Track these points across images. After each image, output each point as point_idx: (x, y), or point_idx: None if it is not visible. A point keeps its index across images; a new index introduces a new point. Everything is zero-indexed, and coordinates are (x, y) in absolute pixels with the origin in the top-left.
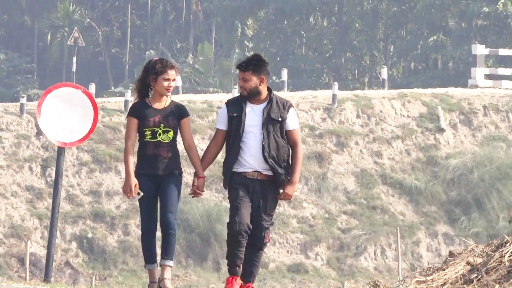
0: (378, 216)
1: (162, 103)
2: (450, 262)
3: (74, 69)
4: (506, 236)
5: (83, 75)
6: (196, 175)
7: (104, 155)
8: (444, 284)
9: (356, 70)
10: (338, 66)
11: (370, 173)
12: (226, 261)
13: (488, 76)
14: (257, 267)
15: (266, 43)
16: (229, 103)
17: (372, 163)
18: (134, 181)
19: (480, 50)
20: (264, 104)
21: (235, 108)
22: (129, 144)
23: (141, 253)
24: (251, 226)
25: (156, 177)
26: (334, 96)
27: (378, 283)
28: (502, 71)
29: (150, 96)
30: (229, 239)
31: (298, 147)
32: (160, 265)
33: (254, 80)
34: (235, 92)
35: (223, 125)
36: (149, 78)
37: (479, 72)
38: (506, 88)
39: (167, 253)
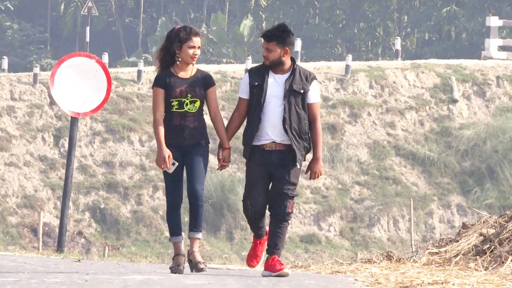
0: (390, 187)
1: (188, 72)
2: (463, 234)
3: (87, 39)
4: None
5: (96, 45)
6: (221, 146)
7: (118, 125)
8: (457, 255)
9: (369, 41)
10: (351, 37)
11: (383, 144)
12: (239, 230)
13: (502, 48)
14: (282, 239)
15: (279, 13)
16: (251, 72)
17: (385, 134)
18: (167, 152)
19: (494, 21)
20: (287, 74)
21: (257, 77)
22: (158, 116)
23: (154, 223)
24: (265, 205)
25: (183, 147)
26: (347, 66)
27: (391, 254)
28: None
29: (178, 63)
30: (246, 216)
31: (317, 122)
32: (189, 238)
33: (278, 51)
34: (249, 63)
35: (245, 94)
36: (173, 47)
37: (492, 44)
38: None
39: (196, 225)
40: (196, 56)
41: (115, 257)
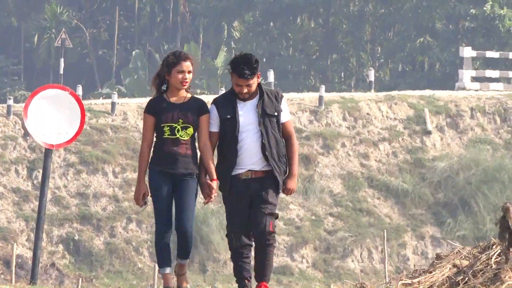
0: (364, 219)
1: (181, 98)
2: (437, 265)
3: (61, 71)
4: (492, 239)
5: (70, 76)
6: (209, 177)
7: (91, 157)
8: (431, 287)
9: (343, 72)
10: (324, 68)
11: (356, 176)
12: (211, 262)
13: (475, 79)
14: (269, 266)
15: (252, 45)
16: (218, 103)
17: (358, 166)
18: (143, 189)
19: (467, 52)
20: (256, 99)
21: (227, 109)
22: (144, 146)
23: (127, 255)
24: (249, 235)
25: (174, 176)
26: (320, 98)
27: (365, 286)
28: (489, 73)
29: (167, 90)
30: (231, 252)
31: (293, 138)
32: (176, 263)
33: (256, 82)
34: (221, 93)
35: (215, 127)
36: (164, 72)
37: (466, 74)
38: (493, 90)
39: (184, 255)
40: (186, 81)
41: None
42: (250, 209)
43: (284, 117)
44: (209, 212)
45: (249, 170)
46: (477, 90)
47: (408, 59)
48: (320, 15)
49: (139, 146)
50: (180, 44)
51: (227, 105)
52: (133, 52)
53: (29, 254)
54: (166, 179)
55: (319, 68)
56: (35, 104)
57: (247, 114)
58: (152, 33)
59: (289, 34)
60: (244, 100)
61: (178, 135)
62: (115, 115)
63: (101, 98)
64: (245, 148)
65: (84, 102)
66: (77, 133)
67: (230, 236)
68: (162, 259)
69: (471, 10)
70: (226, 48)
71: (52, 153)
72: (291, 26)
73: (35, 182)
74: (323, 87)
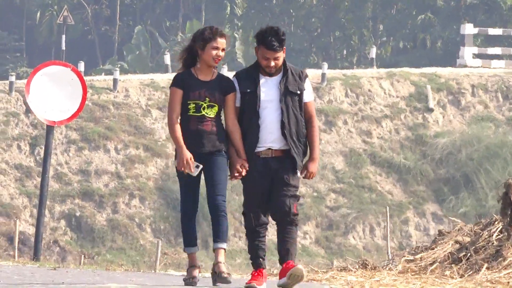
0: (366, 195)
1: (209, 75)
2: (439, 241)
3: (63, 47)
4: (494, 215)
5: (72, 53)
6: (239, 156)
7: (93, 134)
8: (433, 263)
9: (345, 50)
10: (326, 45)
11: (358, 152)
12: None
13: (477, 56)
14: (293, 244)
15: (254, 22)
16: (240, 77)
17: (360, 142)
18: (188, 154)
19: (468, 29)
20: (279, 75)
21: (248, 83)
22: (174, 117)
23: (130, 231)
24: (267, 214)
25: (201, 155)
26: (323, 75)
27: (367, 262)
28: (491, 50)
29: (198, 65)
30: (247, 231)
31: (314, 120)
32: (214, 249)
33: (283, 56)
34: (224, 71)
35: (237, 102)
36: (196, 46)
37: (467, 52)
38: (495, 68)
39: (219, 236)
40: (219, 59)
41: (90, 265)
42: (270, 189)
43: (307, 97)
44: None
45: (269, 149)
46: (478, 67)
47: (410, 36)
48: None
49: (141, 122)
50: (182, 21)
51: (249, 79)
52: (135, 29)
53: (31, 230)
54: (194, 158)
55: (321, 45)
56: (37, 81)
57: (268, 90)
58: (154, 9)
59: (291, 11)
60: (269, 75)
61: (203, 112)
62: (117, 91)
63: (103, 74)
64: (265, 124)
65: (86, 78)
66: (79, 110)
67: (248, 215)
68: (189, 239)
69: None
70: (229, 25)
71: (54, 129)
72: (293, 3)
73: (37, 158)
74: (325, 64)
